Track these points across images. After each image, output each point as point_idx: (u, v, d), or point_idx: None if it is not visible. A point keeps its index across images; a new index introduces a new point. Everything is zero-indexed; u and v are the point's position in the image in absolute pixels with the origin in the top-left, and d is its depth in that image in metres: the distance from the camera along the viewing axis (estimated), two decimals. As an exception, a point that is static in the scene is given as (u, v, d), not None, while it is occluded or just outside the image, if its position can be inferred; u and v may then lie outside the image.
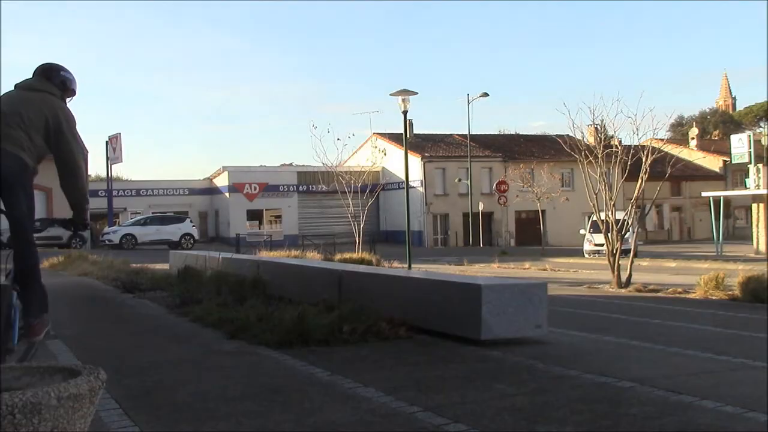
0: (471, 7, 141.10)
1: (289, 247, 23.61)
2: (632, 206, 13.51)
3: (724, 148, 49.36)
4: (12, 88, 3.98)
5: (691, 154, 49.16)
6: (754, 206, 35.51)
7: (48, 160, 3.77)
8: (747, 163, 37.13)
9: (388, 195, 42.31)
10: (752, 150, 36.86)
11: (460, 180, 44.29)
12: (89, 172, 38.85)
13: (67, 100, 4.10)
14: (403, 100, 19.22)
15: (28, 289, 3.63)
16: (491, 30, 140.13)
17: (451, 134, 49.39)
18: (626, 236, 13.21)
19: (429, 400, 3.61)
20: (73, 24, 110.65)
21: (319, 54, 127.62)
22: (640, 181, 12.89)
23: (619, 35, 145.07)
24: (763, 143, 39.82)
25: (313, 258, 17.12)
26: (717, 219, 33.91)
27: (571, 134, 14.83)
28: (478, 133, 48.31)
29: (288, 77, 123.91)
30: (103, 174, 40.57)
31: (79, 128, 3.96)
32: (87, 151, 3.91)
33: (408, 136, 22.03)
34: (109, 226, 35.82)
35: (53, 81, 4.01)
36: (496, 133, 56.34)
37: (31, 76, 4.04)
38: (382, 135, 43.83)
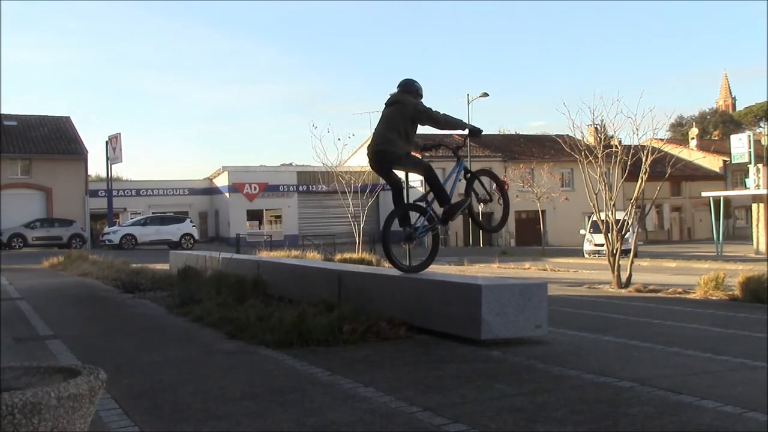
0: (471, 7, 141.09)
1: (289, 247, 23.56)
2: (632, 206, 13.48)
3: (724, 148, 49.37)
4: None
5: (691, 154, 49.17)
6: (754, 206, 35.50)
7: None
8: (747, 163, 37.16)
9: (389, 195, 42.00)
10: (752, 150, 36.89)
11: (460, 180, 44.20)
12: (89, 173, 38.98)
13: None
14: (403, 100, 19.16)
15: (446, 212, 6.74)
16: (491, 30, 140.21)
17: (450, 134, 49.38)
18: (626, 236, 13.18)
19: (429, 400, 3.61)
20: (74, 24, 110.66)
21: (319, 54, 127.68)
22: (640, 181, 12.86)
23: (619, 35, 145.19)
24: (763, 143, 39.82)
25: (313, 258, 17.10)
26: (717, 219, 33.90)
27: (571, 134, 14.80)
28: (478, 133, 48.24)
29: (288, 77, 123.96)
30: (103, 174, 40.59)
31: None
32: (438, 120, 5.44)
33: (408, 136, 21.85)
34: (109, 226, 35.77)
35: (410, 90, 6.37)
36: (496, 133, 56.38)
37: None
38: (382, 135, 43.76)
